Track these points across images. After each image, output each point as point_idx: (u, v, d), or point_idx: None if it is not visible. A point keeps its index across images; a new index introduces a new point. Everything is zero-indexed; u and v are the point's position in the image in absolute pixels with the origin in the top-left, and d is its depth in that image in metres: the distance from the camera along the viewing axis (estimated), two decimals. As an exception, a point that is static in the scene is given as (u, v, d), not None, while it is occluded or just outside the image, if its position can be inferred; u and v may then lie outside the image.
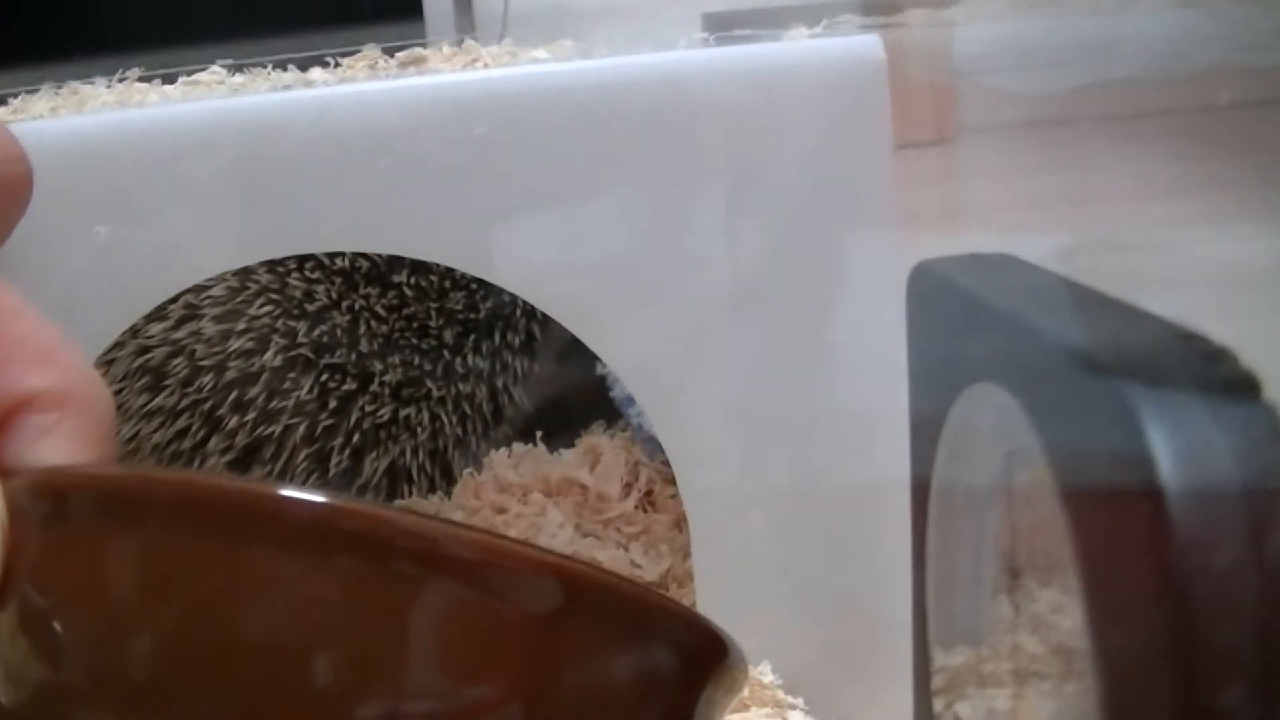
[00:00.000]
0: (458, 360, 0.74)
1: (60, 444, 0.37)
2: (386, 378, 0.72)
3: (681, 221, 0.56)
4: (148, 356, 0.70)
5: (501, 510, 0.67)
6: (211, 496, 0.32)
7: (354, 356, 0.72)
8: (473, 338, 0.74)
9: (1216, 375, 0.32)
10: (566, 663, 0.32)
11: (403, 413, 0.72)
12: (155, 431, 0.70)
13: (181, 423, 0.70)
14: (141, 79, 0.68)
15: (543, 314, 0.69)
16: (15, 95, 0.66)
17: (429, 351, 0.73)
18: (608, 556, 0.62)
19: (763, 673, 0.57)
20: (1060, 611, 0.40)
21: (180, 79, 0.68)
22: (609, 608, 0.33)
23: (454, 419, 0.73)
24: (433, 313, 0.73)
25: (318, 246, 0.64)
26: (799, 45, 0.58)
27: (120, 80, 0.68)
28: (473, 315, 0.74)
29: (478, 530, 0.32)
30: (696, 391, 0.57)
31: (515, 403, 0.75)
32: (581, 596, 0.32)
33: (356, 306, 0.72)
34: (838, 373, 0.57)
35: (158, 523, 0.31)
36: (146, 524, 0.32)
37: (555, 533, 0.63)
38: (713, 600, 0.58)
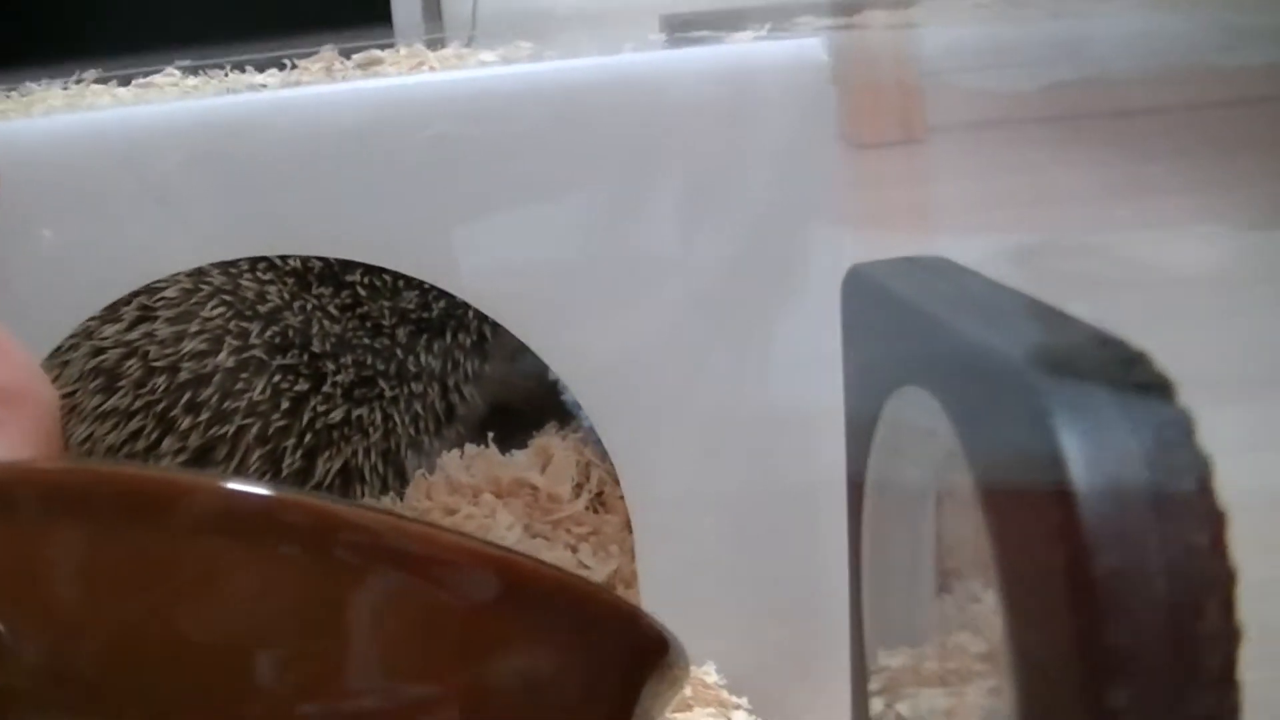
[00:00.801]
0: (410, 359, 0.74)
1: (9, 441, 0.37)
2: (339, 378, 0.72)
3: (625, 226, 0.56)
4: (101, 358, 0.70)
5: (452, 511, 0.67)
6: (156, 489, 0.32)
7: (306, 357, 0.72)
8: (425, 337, 0.74)
9: (1131, 378, 0.32)
10: (507, 653, 0.33)
11: (355, 413, 0.73)
12: (109, 433, 0.70)
13: (135, 424, 0.70)
14: (97, 81, 0.68)
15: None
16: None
17: (382, 351, 0.73)
18: (556, 557, 0.62)
19: (707, 673, 0.57)
20: (980, 613, 0.40)
21: (135, 81, 0.68)
22: (549, 599, 0.33)
23: (406, 419, 0.74)
24: (385, 311, 0.73)
25: (270, 250, 0.64)
26: (743, 48, 0.58)
27: (77, 82, 0.68)
28: (425, 315, 0.74)
29: (419, 522, 0.32)
30: (639, 393, 0.57)
31: (467, 401, 0.75)
32: (521, 588, 0.32)
33: (309, 307, 0.72)
34: (781, 374, 0.57)
35: (103, 517, 0.32)
36: (92, 518, 0.32)
37: (504, 534, 0.63)
38: (657, 601, 0.58)
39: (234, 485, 0.31)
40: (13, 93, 0.67)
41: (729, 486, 0.58)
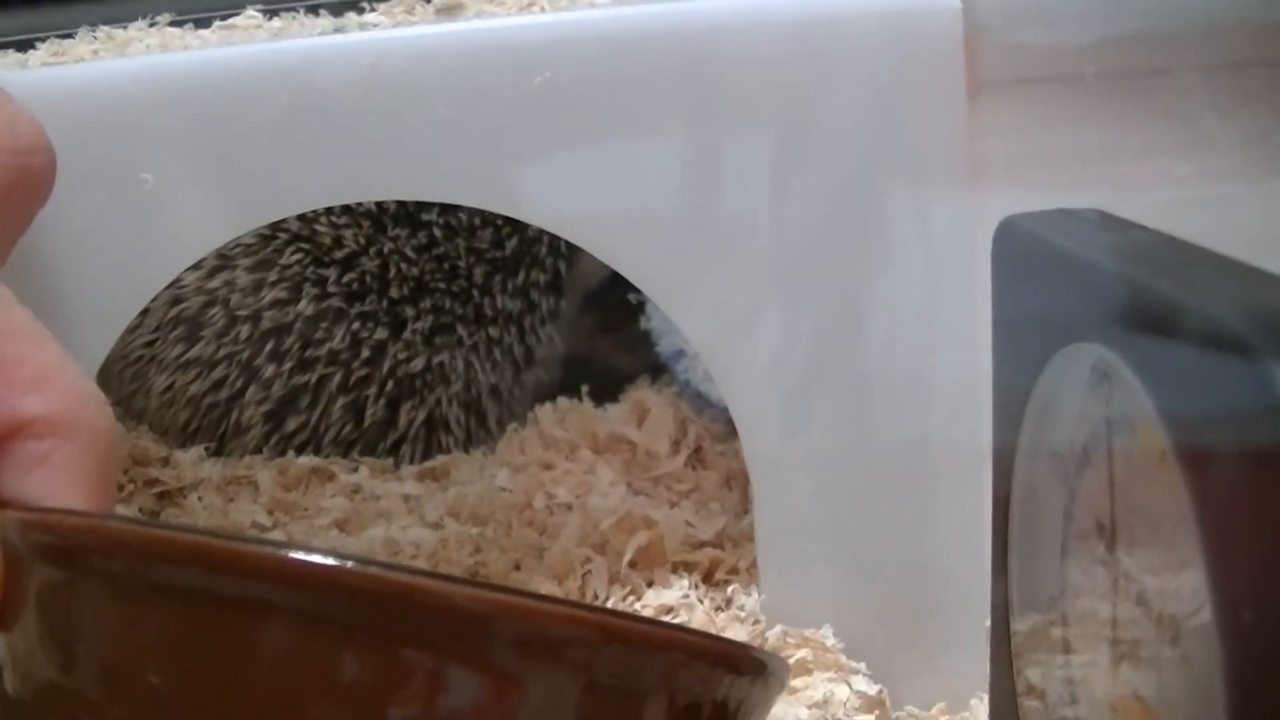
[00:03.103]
0: (486, 302, 0.72)
1: (55, 473, 0.36)
2: (418, 324, 0.71)
3: (748, 176, 0.55)
4: (182, 306, 0.69)
5: (549, 466, 0.65)
6: (218, 556, 0.30)
7: (385, 303, 0.71)
8: (500, 277, 0.72)
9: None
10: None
11: (436, 360, 0.71)
12: (192, 382, 0.70)
13: (219, 373, 0.70)
14: (173, 23, 0.67)
15: (569, 251, 0.69)
16: (44, 39, 0.65)
17: (459, 294, 0.72)
18: (662, 516, 0.61)
19: (825, 636, 0.56)
20: (1150, 578, 0.39)
21: (215, 23, 0.67)
22: (645, 652, 0.32)
23: (487, 366, 0.72)
24: (462, 251, 0.72)
25: (369, 195, 0.63)
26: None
27: (151, 24, 0.66)
28: (499, 253, 0.72)
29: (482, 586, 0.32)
30: (760, 348, 0.56)
31: (544, 345, 0.74)
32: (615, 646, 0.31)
33: (385, 250, 0.71)
34: (905, 331, 0.56)
35: (154, 581, 0.30)
36: (141, 582, 0.31)
37: (607, 491, 0.62)
38: (774, 561, 0.57)
39: (297, 555, 0.30)
40: (97, 33, 0.65)
41: (848, 444, 0.57)
